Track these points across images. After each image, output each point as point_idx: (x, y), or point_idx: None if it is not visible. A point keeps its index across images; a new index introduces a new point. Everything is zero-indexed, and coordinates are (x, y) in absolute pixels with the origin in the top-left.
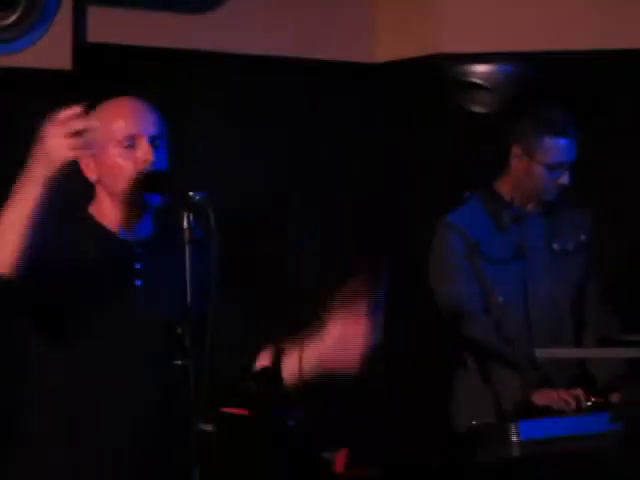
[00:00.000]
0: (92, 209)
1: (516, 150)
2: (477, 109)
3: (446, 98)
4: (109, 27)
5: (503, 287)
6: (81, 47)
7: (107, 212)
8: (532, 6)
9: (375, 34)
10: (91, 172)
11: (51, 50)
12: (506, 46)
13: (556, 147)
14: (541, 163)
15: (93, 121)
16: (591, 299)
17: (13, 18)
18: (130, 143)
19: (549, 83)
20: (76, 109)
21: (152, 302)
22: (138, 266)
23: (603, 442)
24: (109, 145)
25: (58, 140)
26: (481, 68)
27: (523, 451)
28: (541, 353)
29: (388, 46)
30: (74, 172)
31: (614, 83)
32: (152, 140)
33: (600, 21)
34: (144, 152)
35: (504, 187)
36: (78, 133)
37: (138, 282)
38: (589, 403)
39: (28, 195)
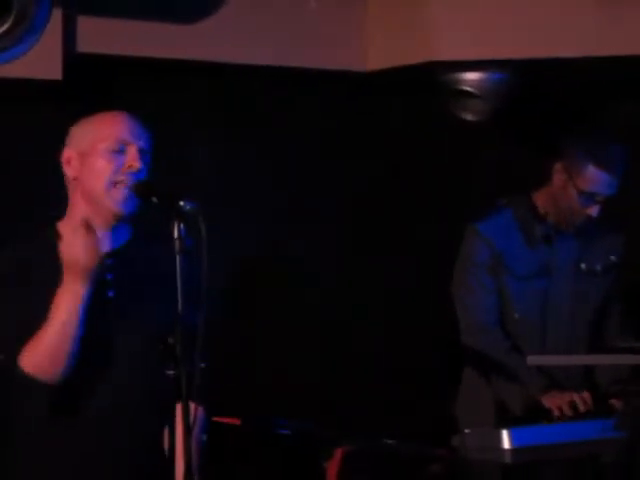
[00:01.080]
0: (61, 225)
1: (559, 166)
2: (469, 117)
3: (439, 106)
4: (99, 37)
5: (521, 303)
6: (71, 57)
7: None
8: (524, 14)
9: (366, 42)
10: (72, 169)
11: (41, 61)
12: (499, 54)
13: (597, 178)
14: (576, 187)
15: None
16: (612, 321)
17: (3, 29)
18: (120, 148)
19: (542, 91)
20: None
21: (126, 311)
22: (109, 277)
23: (597, 449)
24: (98, 145)
25: (81, 252)
26: (473, 76)
27: (515, 458)
28: (532, 360)
29: (380, 54)
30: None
31: (608, 90)
32: (141, 152)
33: (593, 28)
34: (132, 158)
35: (540, 199)
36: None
37: (110, 293)
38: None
39: (67, 312)
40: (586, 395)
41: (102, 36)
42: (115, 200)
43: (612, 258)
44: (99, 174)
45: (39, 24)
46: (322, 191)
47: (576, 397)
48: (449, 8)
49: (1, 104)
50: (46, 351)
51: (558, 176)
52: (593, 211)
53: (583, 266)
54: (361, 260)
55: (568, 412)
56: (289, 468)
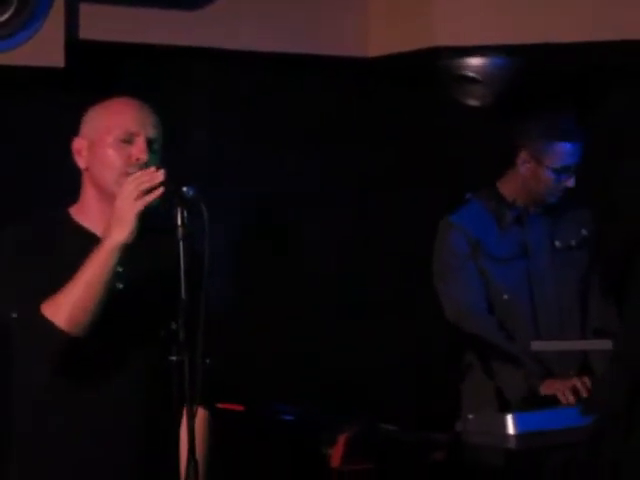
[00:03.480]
0: (73, 211)
1: (523, 155)
2: (471, 102)
3: (441, 92)
4: (101, 24)
5: (507, 285)
6: (73, 45)
7: (90, 211)
8: None
9: (368, 28)
10: (82, 159)
11: (44, 48)
12: (500, 39)
13: (563, 151)
14: (549, 167)
15: (159, 174)
16: (593, 292)
17: (5, 16)
18: (127, 139)
19: (545, 76)
20: (148, 172)
21: (134, 305)
22: (119, 269)
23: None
24: (107, 136)
25: (129, 201)
26: (475, 61)
27: (520, 443)
28: (536, 346)
29: (381, 40)
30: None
31: (611, 75)
32: (149, 142)
33: (595, 13)
34: (139, 150)
35: (506, 188)
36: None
37: (119, 286)
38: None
39: (101, 262)
40: (586, 379)
41: (104, 23)
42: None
43: (583, 232)
44: (109, 165)
45: (41, 11)
46: (324, 176)
47: (577, 382)
48: None
49: (3, 92)
50: (72, 299)
51: (526, 166)
52: (570, 182)
53: (558, 243)
54: (369, 247)
55: (571, 399)
56: (292, 454)
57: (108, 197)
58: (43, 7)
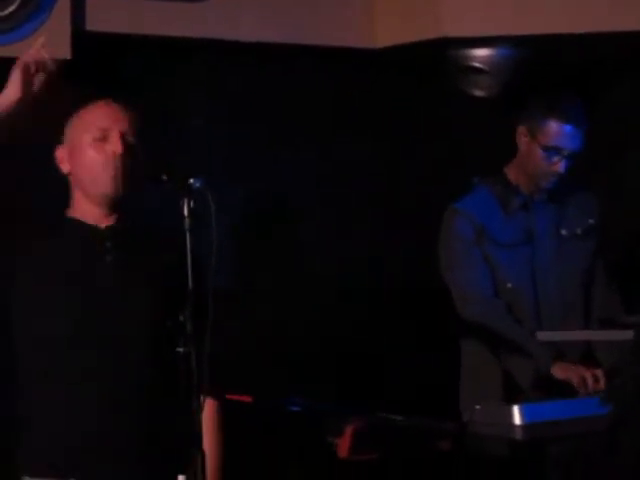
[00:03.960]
0: (70, 212)
1: (522, 129)
2: (478, 93)
3: (448, 82)
4: (108, 16)
5: (512, 272)
6: (80, 36)
7: (82, 210)
8: None
9: (375, 19)
10: (65, 165)
11: (50, 39)
12: (507, 30)
13: (558, 131)
14: (539, 144)
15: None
16: (597, 280)
17: (11, 8)
18: (102, 136)
19: (551, 67)
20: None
21: (125, 276)
22: (107, 244)
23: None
24: (83, 137)
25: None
26: (482, 52)
27: (526, 434)
28: (543, 336)
29: (389, 31)
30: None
31: (617, 66)
32: (123, 134)
33: (603, 4)
34: (113, 144)
35: (512, 173)
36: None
37: (108, 258)
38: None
39: None
40: (599, 372)
41: (111, 14)
42: (105, 185)
43: (590, 221)
44: (89, 164)
45: (47, 3)
46: (332, 168)
47: (588, 374)
48: None
49: None
50: None
51: (522, 139)
52: (560, 167)
53: (564, 232)
54: (372, 240)
55: (585, 388)
56: (300, 445)
57: (92, 198)
58: None
